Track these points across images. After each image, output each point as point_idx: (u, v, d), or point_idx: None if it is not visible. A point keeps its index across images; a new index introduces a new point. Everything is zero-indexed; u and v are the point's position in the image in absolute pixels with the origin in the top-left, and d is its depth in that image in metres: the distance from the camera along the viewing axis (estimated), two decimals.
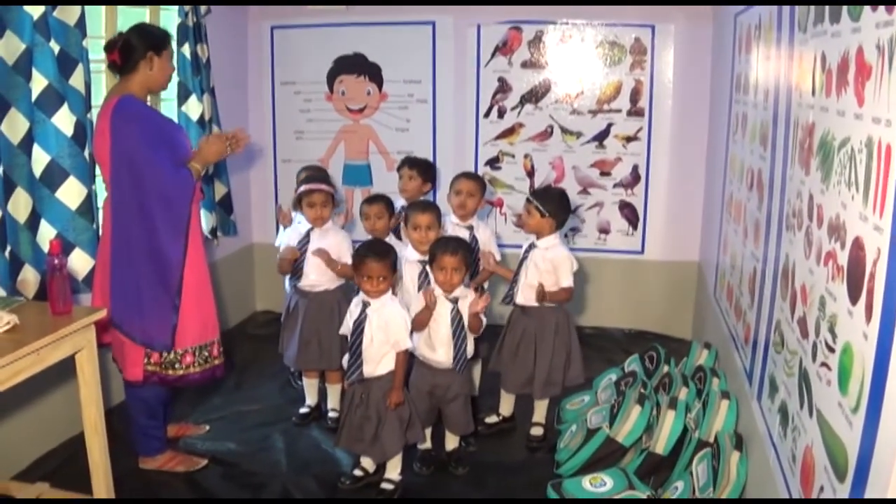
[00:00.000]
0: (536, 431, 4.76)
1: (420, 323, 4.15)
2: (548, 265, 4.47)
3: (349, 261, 4.43)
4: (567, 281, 4.47)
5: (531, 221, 4.51)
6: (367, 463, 4.30)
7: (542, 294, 4.41)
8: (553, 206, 4.48)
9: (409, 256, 4.54)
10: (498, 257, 4.81)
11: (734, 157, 4.73)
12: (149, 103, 4.19)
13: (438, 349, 4.18)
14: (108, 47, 3.99)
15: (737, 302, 4.37)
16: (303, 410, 5.05)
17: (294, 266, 4.77)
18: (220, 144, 4.17)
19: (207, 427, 4.90)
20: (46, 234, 4.23)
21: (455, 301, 4.15)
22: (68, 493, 3.85)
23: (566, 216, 4.59)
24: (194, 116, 5.58)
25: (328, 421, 4.94)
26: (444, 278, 4.12)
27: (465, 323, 4.17)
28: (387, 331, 4.00)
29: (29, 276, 4.13)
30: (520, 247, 4.72)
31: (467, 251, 4.18)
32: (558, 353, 4.56)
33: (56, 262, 3.31)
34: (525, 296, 4.54)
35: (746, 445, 3.70)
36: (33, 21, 4.01)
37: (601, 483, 3.85)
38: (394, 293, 4.21)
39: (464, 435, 4.50)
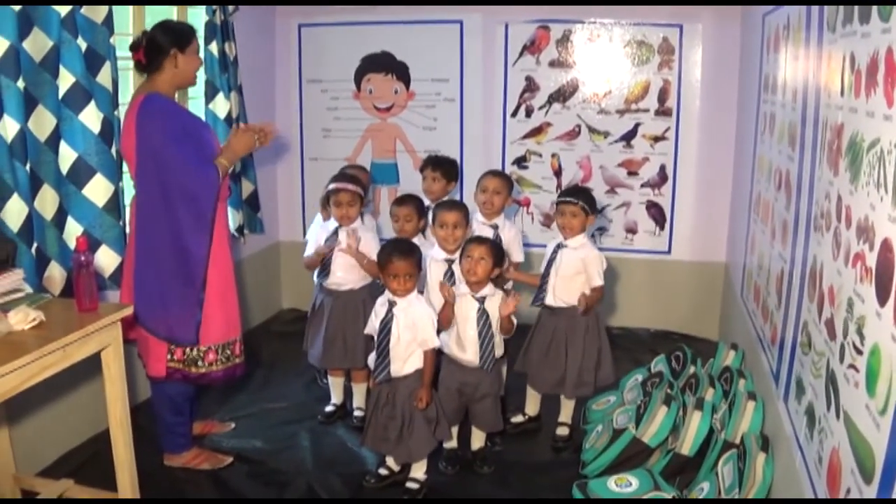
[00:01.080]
0: (562, 431, 4.75)
1: (444, 321, 4.16)
2: (578, 265, 4.47)
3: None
4: (598, 280, 4.47)
5: (576, 222, 4.49)
6: (393, 461, 4.31)
7: (586, 305, 4.44)
8: (592, 202, 4.53)
9: (436, 255, 4.53)
10: (521, 258, 4.85)
11: (762, 158, 4.70)
12: (177, 101, 4.21)
13: (468, 349, 4.18)
14: (133, 47, 4.02)
15: (764, 303, 4.35)
16: (328, 409, 5.06)
17: (321, 263, 4.78)
18: (249, 138, 4.19)
19: (233, 424, 4.92)
20: (73, 230, 4.23)
21: (482, 300, 4.15)
22: (93, 491, 3.87)
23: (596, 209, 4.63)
24: (221, 114, 5.59)
25: (354, 419, 4.95)
26: (469, 266, 4.13)
27: (494, 322, 4.16)
28: (414, 330, 4.01)
29: (55, 273, 4.14)
30: (546, 246, 4.72)
31: (496, 245, 4.19)
32: (589, 354, 4.55)
33: (83, 258, 3.32)
34: (555, 297, 4.55)
35: (772, 447, 3.68)
36: (60, 18, 4.01)
37: (627, 483, 3.83)
38: (419, 292, 4.21)
39: (491, 434, 4.51)
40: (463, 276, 4.21)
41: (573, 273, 4.48)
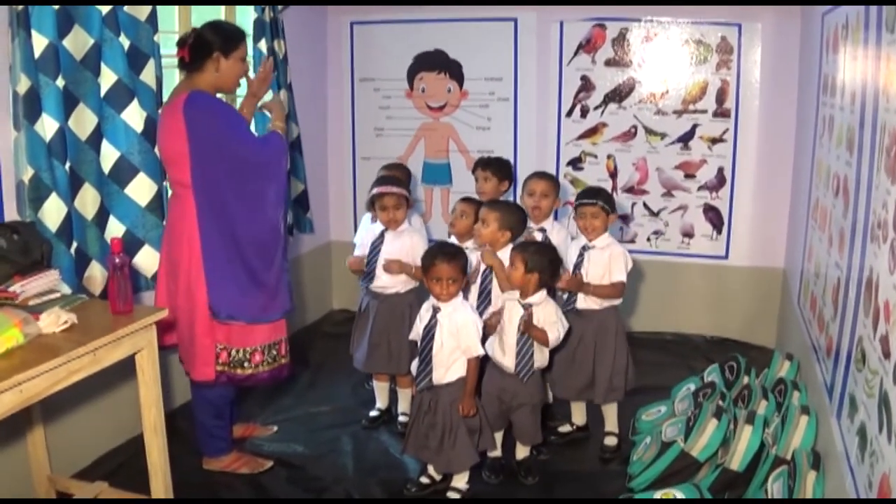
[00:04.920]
0: (610, 441, 4.64)
1: (489, 327, 4.11)
2: (607, 263, 4.41)
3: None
4: (619, 276, 4.40)
5: (598, 223, 4.42)
6: (434, 470, 4.23)
7: (579, 284, 4.41)
8: (611, 201, 4.47)
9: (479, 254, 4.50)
10: (565, 258, 4.70)
11: (820, 162, 4.55)
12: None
13: (508, 354, 4.10)
14: (180, 42, 3.97)
15: (820, 312, 4.20)
16: (373, 413, 5.00)
17: (367, 267, 4.72)
18: (262, 82, 4.33)
19: (275, 428, 4.88)
20: (115, 230, 4.25)
21: (527, 307, 4.05)
22: (127, 493, 3.85)
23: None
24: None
25: (398, 425, 4.87)
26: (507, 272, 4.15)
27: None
28: (458, 337, 3.94)
29: (96, 273, 4.13)
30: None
31: (534, 254, 4.07)
32: (620, 356, 4.48)
33: (117, 260, 3.30)
34: (586, 300, 4.48)
35: (824, 465, 3.55)
36: (102, 16, 4.01)
37: (673, 499, 3.74)
38: (465, 296, 4.13)
39: (534, 445, 4.41)
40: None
41: (603, 273, 4.41)
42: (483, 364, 4.13)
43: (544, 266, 4.06)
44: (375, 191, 4.61)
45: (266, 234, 4.03)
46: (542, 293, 4.10)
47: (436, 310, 3.99)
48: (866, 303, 3.03)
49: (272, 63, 4.40)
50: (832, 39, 4.35)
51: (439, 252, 3.98)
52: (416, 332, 4.10)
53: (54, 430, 4.07)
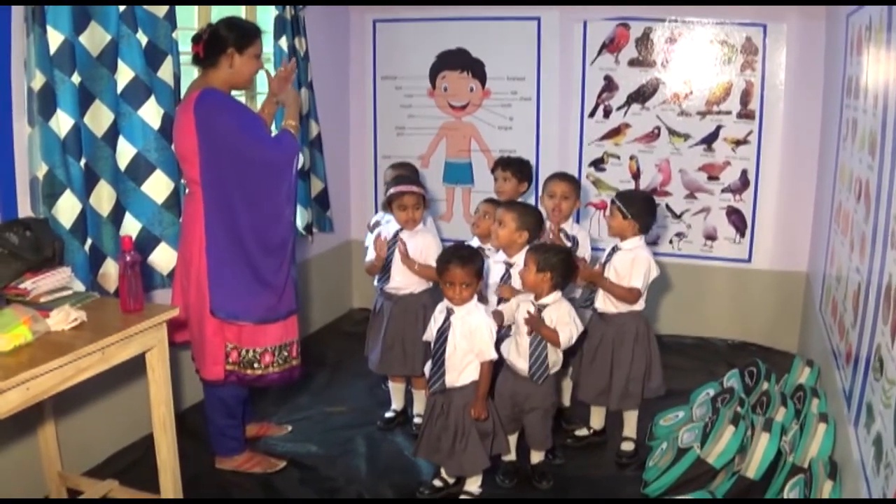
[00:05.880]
0: (627, 447, 4.58)
1: (495, 314, 4.11)
2: (629, 265, 4.33)
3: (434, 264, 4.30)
4: (637, 281, 4.31)
5: (613, 223, 4.39)
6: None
7: (595, 274, 4.39)
8: (636, 209, 4.34)
9: (496, 256, 4.49)
10: (587, 257, 4.65)
11: (843, 165, 4.48)
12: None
13: (522, 356, 4.06)
14: (195, 38, 3.95)
15: (840, 318, 4.13)
16: (388, 415, 4.97)
17: (382, 267, 4.67)
18: (286, 85, 4.32)
19: (290, 427, 4.85)
20: (131, 227, 4.24)
21: (540, 308, 4.01)
22: (136, 492, 3.84)
23: (650, 220, 4.44)
24: None
25: (413, 426, 4.83)
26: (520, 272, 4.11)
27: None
28: (471, 339, 3.89)
29: (111, 271, 4.12)
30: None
31: (550, 256, 4.02)
32: (637, 363, 4.40)
33: (128, 258, 3.29)
34: (605, 301, 4.42)
35: (841, 474, 3.48)
36: (119, 12, 3.99)
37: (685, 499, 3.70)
38: (480, 299, 4.09)
39: (547, 449, 4.36)
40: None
41: (624, 276, 4.35)
42: (497, 368, 4.09)
43: (556, 265, 4.00)
44: (394, 190, 4.57)
45: (275, 235, 4.01)
46: (557, 294, 4.06)
47: (450, 312, 3.95)
48: (885, 311, 2.97)
49: (294, 64, 4.39)
50: (856, 40, 4.28)
51: (453, 256, 3.93)
52: (430, 334, 4.06)
53: (66, 427, 4.05)
